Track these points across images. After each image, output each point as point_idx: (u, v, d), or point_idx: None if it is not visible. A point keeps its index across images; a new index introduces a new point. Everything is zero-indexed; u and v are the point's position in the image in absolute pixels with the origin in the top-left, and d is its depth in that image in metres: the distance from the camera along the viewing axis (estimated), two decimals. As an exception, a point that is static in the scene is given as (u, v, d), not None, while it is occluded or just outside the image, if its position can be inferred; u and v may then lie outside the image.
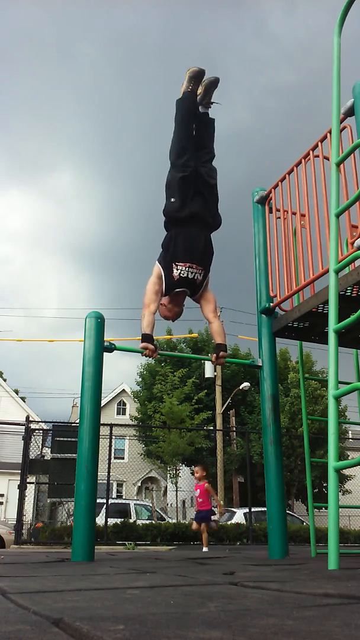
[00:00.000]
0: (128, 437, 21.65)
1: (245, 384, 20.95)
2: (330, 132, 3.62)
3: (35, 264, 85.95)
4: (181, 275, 3.85)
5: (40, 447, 11.99)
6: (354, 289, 3.60)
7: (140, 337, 3.82)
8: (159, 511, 16.65)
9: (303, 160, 4.13)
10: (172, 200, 3.94)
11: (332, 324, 2.76)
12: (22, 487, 10.63)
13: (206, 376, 20.50)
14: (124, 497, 24.92)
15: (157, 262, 3.94)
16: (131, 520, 11.76)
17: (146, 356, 3.86)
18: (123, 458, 27.69)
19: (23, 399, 32.34)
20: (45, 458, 12.06)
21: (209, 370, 19.98)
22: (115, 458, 14.94)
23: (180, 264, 3.84)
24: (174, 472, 17.99)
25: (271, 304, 4.42)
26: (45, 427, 13.06)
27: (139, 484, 29.80)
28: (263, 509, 7.87)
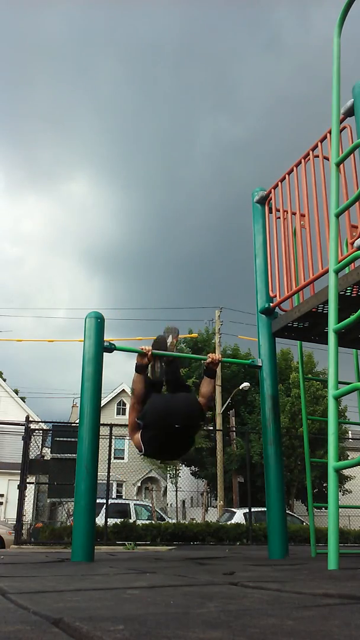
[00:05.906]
0: (128, 437, 21.60)
1: (245, 384, 20.95)
2: (330, 132, 3.62)
3: (48, 268, 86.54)
4: None
5: (40, 447, 11.97)
6: (354, 289, 3.60)
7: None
8: (159, 511, 16.62)
9: (303, 160, 4.12)
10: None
11: (332, 324, 2.76)
12: (22, 487, 10.62)
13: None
14: (123, 497, 24.87)
15: None
16: (131, 521, 11.74)
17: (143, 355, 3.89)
18: (123, 458, 27.65)
19: (23, 399, 32.31)
20: (45, 458, 12.05)
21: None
22: (115, 458, 14.91)
23: None
24: (174, 472, 17.98)
25: (271, 304, 4.42)
26: (45, 427, 13.05)
27: (139, 484, 29.77)
28: (263, 509, 7.95)
